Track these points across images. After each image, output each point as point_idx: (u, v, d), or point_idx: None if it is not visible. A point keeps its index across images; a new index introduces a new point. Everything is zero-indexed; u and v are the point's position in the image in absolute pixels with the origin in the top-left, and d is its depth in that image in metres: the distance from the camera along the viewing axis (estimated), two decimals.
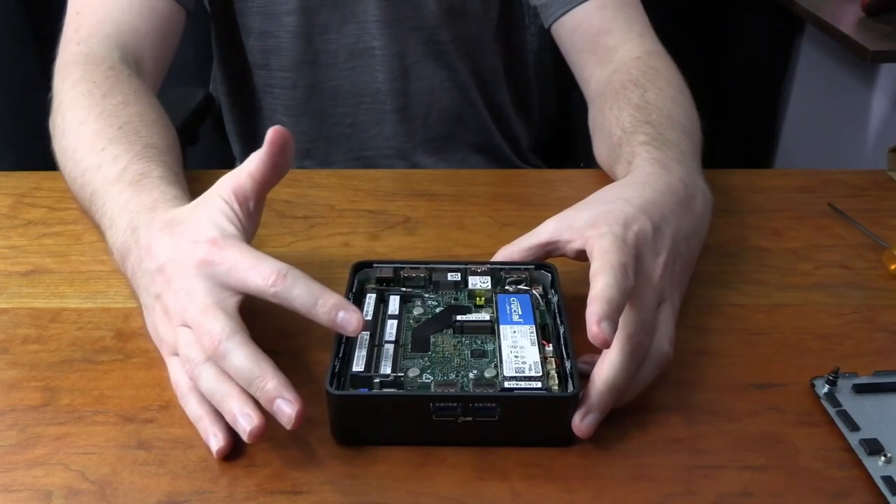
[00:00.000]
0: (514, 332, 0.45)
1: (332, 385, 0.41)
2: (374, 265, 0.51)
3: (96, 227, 0.55)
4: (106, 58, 0.64)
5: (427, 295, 0.50)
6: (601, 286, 0.41)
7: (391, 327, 0.46)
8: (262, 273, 0.41)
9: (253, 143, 0.90)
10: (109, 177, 0.52)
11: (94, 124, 0.57)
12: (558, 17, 0.74)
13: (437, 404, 0.40)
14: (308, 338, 0.50)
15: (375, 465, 0.41)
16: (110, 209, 0.51)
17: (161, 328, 0.45)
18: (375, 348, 0.45)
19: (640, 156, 0.54)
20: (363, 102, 0.83)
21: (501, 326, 0.46)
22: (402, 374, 0.43)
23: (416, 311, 0.48)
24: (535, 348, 0.44)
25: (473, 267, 0.51)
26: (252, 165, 0.45)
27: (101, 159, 0.54)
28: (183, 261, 0.43)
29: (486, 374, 0.43)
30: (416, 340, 0.46)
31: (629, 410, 0.44)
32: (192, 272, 0.43)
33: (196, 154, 1.01)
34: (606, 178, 0.70)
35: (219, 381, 0.41)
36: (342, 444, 0.42)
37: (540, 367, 0.43)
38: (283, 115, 0.85)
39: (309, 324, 0.51)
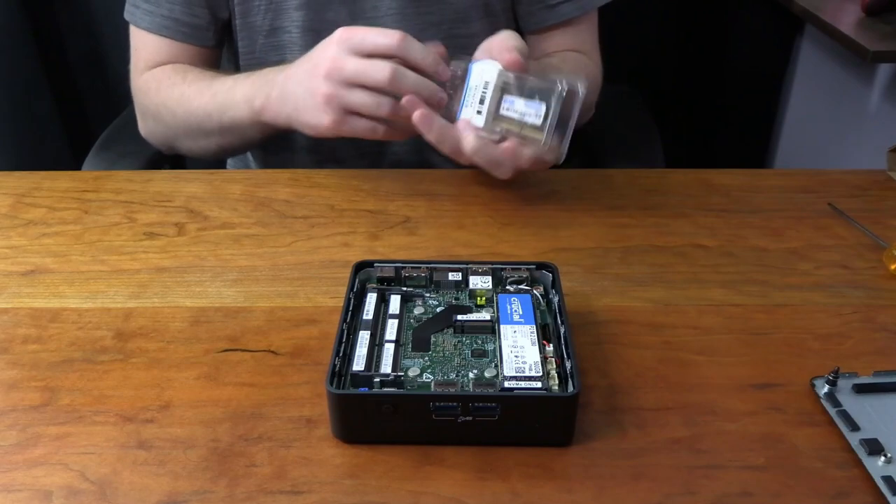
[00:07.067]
0: (515, 331, 0.45)
1: (332, 384, 0.41)
2: (376, 265, 0.51)
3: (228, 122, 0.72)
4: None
5: (428, 294, 0.50)
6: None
7: (392, 327, 0.46)
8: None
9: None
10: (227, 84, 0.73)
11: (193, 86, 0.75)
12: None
13: (436, 404, 0.40)
14: (308, 337, 0.50)
15: (375, 465, 0.41)
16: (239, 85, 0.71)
17: None
18: (376, 347, 0.45)
19: None
20: None
21: (502, 326, 0.46)
22: (403, 374, 0.43)
23: (417, 311, 0.48)
24: (536, 348, 0.44)
25: (474, 267, 0.51)
26: None
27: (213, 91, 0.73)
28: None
29: (487, 374, 0.43)
30: (417, 340, 0.46)
31: (629, 410, 0.44)
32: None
33: None
34: (606, 179, 0.70)
35: None
36: (342, 444, 0.42)
37: (540, 367, 0.43)
38: None
39: (309, 322, 0.51)
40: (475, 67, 0.61)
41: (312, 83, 0.63)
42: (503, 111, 0.60)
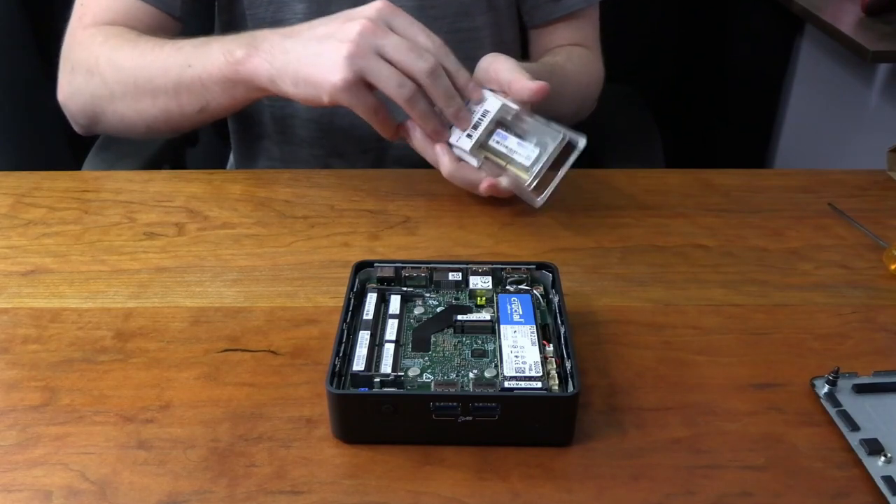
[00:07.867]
0: (515, 331, 0.45)
1: (332, 384, 0.41)
2: (375, 265, 0.51)
3: (193, 81, 0.67)
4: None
5: (428, 294, 0.50)
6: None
7: (392, 327, 0.46)
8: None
9: (251, 141, 0.90)
10: (194, 43, 0.68)
11: (154, 46, 0.70)
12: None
13: (436, 404, 0.40)
14: (308, 337, 0.50)
15: (375, 465, 0.41)
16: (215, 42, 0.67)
17: None
18: (376, 347, 0.45)
19: None
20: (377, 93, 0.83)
21: (502, 326, 0.46)
22: (403, 374, 0.43)
23: (417, 311, 0.48)
24: (536, 348, 0.44)
25: (474, 266, 0.51)
26: None
27: (176, 49, 0.68)
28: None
29: (487, 374, 0.43)
30: (417, 340, 0.46)
31: (629, 410, 0.44)
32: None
33: (196, 154, 1.01)
34: (607, 179, 0.70)
35: None
36: (342, 444, 0.42)
37: (540, 367, 0.43)
38: (295, 105, 0.84)
39: (309, 322, 0.51)
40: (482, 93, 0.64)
41: (340, 33, 0.59)
42: (492, 142, 0.62)
